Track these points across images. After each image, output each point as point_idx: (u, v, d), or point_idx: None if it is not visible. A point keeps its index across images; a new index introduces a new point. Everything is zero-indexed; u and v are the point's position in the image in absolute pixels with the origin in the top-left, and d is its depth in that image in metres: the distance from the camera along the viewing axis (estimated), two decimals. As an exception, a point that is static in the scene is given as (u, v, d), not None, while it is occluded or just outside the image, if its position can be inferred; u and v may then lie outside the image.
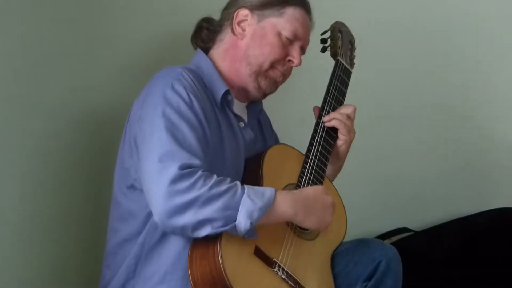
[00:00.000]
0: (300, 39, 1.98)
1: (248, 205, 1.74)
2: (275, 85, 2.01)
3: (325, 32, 2.10)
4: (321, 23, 2.10)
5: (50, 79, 2.17)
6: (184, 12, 2.34)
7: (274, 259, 1.83)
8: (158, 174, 1.74)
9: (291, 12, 1.97)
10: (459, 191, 2.82)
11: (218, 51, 2.02)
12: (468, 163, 2.82)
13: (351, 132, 2.04)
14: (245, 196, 1.74)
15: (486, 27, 2.79)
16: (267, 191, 1.78)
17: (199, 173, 1.73)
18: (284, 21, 1.97)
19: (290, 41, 1.97)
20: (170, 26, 2.35)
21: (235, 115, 1.99)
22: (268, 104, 2.16)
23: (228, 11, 2.02)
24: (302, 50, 2.01)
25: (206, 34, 2.06)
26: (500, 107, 2.83)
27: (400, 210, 2.79)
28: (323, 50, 2.11)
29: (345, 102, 2.09)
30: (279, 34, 1.96)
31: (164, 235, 1.85)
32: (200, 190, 1.71)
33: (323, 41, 2.09)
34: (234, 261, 1.76)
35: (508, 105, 2.83)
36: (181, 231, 1.76)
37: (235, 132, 1.98)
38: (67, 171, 2.22)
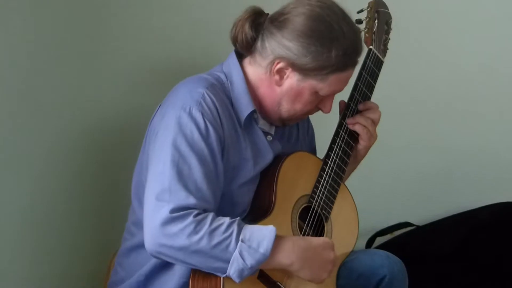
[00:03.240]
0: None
1: (238, 263, 1.69)
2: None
3: (362, 11, 2.01)
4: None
5: (67, 81, 2.17)
6: (193, 12, 2.33)
7: (277, 282, 1.80)
8: (152, 211, 1.71)
9: (336, 78, 1.83)
10: (461, 186, 2.82)
11: (254, 73, 1.87)
12: (470, 158, 2.82)
13: (372, 138, 1.99)
14: (236, 253, 1.69)
15: (487, 25, 2.80)
16: (264, 243, 1.71)
17: (190, 218, 1.67)
18: (324, 85, 1.84)
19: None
20: (181, 27, 2.34)
21: (262, 130, 1.92)
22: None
23: (269, 44, 1.82)
24: None
25: (247, 40, 1.86)
26: (501, 102, 2.83)
27: (402, 205, 2.79)
28: None
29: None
30: (316, 93, 1.85)
31: None
32: (188, 240, 1.67)
33: (358, 21, 1.98)
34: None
35: (510, 99, 2.83)
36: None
37: (262, 148, 1.90)
38: (75, 170, 2.23)
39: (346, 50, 1.80)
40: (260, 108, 1.90)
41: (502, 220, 2.72)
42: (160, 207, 1.68)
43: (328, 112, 1.90)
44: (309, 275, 1.80)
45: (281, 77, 1.84)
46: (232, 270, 1.68)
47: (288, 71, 1.83)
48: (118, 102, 2.27)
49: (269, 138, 1.92)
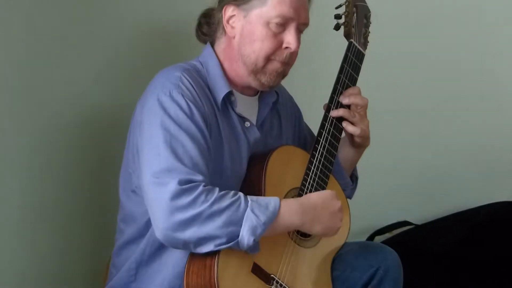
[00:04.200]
0: (293, 20, 1.85)
1: (251, 220, 1.70)
2: (278, 76, 1.90)
3: (340, 6, 2.02)
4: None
5: (56, 76, 2.15)
6: (184, 8, 2.30)
7: (272, 275, 1.81)
8: (158, 189, 1.70)
9: None
10: (460, 185, 2.81)
11: (219, 50, 1.93)
12: (470, 157, 2.82)
13: (358, 127, 1.97)
14: (248, 210, 1.71)
15: (488, 20, 2.80)
16: (271, 203, 1.74)
17: (200, 188, 1.69)
18: (268, 9, 1.83)
19: (282, 26, 1.85)
20: (172, 23, 2.34)
21: (239, 115, 1.92)
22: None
23: (219, 8, 1.91)
24: (299, 30, 1.88)
25: (206, 29, 1.96)
26: (501, 100, 2.83)
27: (401, 204, 2.78)
28: (337, 27, 2.02)
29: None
30: (267, 24, 1.84)
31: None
32: (201, 207, 1.67)
33: (337, 16, 2.01)
34: (230, 282, 1.74)
35: (509, 98, 2.83)
36: (183, 246, 1.73)
37: (238, 134, 1.91)
38: (72, 169, 2.21)
39: None
40: (236, 84, 1.92)
41: (500, 219, 2.71)
42: (165, 184, 1.69)
43: (295, 47, 1.85)
44: (322, 229, 1.82)
45: (233, 26, 1.87)
46: (246, 229, 1.69)
47: (236, 14, 1.86)
48: (115, 100, 2.27)
49: (247, 124, 1.93)
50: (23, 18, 2.07)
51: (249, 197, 1.73)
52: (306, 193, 1.90)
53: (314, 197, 1.84)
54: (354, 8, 2.02)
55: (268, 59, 1.86)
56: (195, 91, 1.82)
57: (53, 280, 2.20)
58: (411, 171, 2.78)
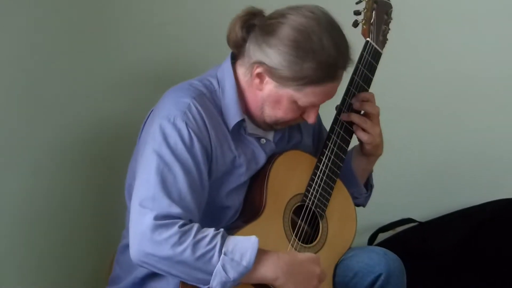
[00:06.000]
0: (320, 104, 1.85)
1: (220, 276, 1.68)
2: (285, 126, 1.93)
3: (360, 1, 1.97)
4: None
5: (67, 78, 2.16)
6: (193, 12, 2.35)
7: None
8: (136, 218, 1.70)
9: (312, 90, 1.79)
10: (463, 182, 2.80)
11: (242, 76, 1.86)
12: (473, 154, 2.81)
13: (370, 135, 1.94)
14: (218, 266, 1.67)
15: (489, 19, 2.79)
16: (247, 255, 1.69)
17: (175, 228, 1.67)
18: (301, 96, 1.80)
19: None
20: (180, 27, 2.35)
21: (253, 135, 1.90)
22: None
23: (252, 47, 1.81)
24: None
25: (237, 40, 1.85)
26: (503, 97, 2.82)
27: (404, 201, 2.77)
28: (355, 25, 1.97)
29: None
30: (295, 103, 1.81)
31: None
32: (172, 250, 1.66)
33: (357, 13, 1.97)
34: None
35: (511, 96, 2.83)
36: None
37: (256, 152, 1.90)
38: (78, 172, 2.23)
39: (322, 63, 1.76)
40: (248, 113, 1.89)
41: (505, 216, 2.71)
42: (144, 214, 1.68)
43: (312, 122, 1.87)
44: None
45: (261, 82, 1.82)
46: (215, 283, 1.68)
47: (267, 78, 1.81)
48: (118, 100, 2.27)
49: (263, 141, 1.91)
50: (37, 23, 2.09)
51: (225, 246, 1.68)
52: (310, 199, 1.89)
53: (295, 255, 1.80)
54: (375, 4, 1.98)
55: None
56: (203, 121, 1.79)
57: (55, 278, 2.20)
58: (415, 168, 2.78)
